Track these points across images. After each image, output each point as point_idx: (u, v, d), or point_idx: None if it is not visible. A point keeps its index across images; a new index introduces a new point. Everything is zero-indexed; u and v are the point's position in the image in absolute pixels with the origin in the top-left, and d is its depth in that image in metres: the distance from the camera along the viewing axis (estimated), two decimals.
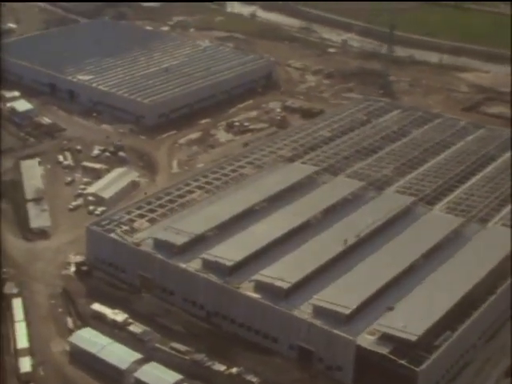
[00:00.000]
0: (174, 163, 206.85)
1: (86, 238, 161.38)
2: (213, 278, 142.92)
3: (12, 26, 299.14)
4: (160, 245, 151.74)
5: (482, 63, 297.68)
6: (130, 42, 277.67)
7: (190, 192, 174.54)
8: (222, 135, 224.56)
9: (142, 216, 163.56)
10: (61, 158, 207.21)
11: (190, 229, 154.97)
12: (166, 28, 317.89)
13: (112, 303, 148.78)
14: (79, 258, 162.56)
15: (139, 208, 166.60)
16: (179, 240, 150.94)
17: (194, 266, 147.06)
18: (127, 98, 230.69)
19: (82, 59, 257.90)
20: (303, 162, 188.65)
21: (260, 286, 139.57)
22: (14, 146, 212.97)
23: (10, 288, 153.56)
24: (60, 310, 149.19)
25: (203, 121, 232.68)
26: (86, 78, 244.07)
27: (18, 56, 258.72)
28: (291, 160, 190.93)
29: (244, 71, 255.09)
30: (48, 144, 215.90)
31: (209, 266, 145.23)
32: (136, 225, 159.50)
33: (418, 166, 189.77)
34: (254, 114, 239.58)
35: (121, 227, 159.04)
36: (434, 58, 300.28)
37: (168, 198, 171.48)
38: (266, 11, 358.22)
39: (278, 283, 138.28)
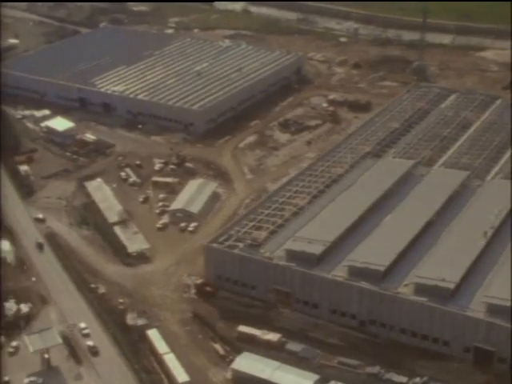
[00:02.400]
0: (245, 169, 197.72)
1: (205, 257, 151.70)
2: (366, 285, 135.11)
3: (14, 41, 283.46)
4: (295, 256, 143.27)
5: (491, 41, 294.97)
6: (145, 47, 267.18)
7: (293, 198, 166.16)
8: (279, 136, 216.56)
9: (257, 228, 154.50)
10: (123, 175, 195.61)
11: (320, 236, 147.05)
12: (170, 30, 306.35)
13: (249, 323, 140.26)
14: (196, 279, 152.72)
15: (251, 220, 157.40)
16: (317, 249, 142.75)
17: (339, 274, 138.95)
18: (174, 106, 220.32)
19: (105, 70, 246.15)
20: (393, 157, 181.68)
21: (422, 289, 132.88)
22: (67, 168, 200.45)
23: (133, 319, 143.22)
24: (199, 336, 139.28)
25: (252, 123, 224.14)
26: (121, 89, 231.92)
27: (35, 72, 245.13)
28: (377, 155, 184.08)
29: (278, 68, 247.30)
30: (103, 162, 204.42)
31: (357, 273, 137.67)
32: (255, 237, 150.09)
33: (506, 151, 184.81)
34: (300, 111, 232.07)
35: (241, 242, 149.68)
36: (444, 39, 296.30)
37: (274, 206, 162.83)
38: (256, 6, 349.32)
39: (443, 284, 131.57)
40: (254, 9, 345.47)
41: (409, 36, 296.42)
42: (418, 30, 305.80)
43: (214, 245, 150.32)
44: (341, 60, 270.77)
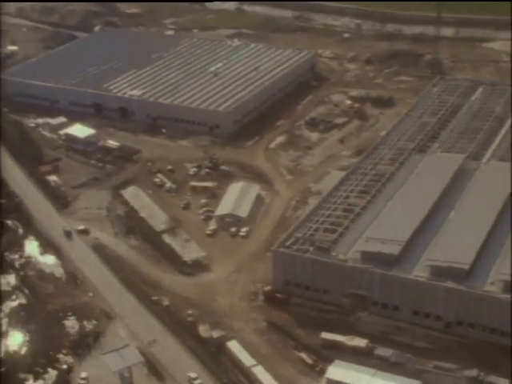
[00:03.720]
0: (283, 170, 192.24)
1: (273, 262, 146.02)
2: (452, 285, 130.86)
3: (12, 48, 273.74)
4: (371, 257, 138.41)
5: (493, 32, 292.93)
6: (152, 49, 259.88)
7: (349, 198, 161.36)
8: (308, 135, 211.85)
9: (322, 230, 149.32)
10: (157, 181, 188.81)
11: (392, 236, 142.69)
12: (169, 32, 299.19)
13: (328, 329, 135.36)
14: (262, 286, 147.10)
15: (314, 222, 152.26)
16: (394, 249, 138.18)
17: (420, 274, 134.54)
18: (199, 108, 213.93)
19: (117, 74, 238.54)
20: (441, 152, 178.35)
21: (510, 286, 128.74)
22: (96, 176, 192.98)
23: (206, 331, 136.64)
24: (280, 345, 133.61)
25: (278, 122, 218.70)
26: (138, 92, 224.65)
27: (44, 79, 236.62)
28: (421, 151, 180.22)
29: (294, 66, 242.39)
30: (132, 169, 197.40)
31: (440, 272, 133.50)
32: (326, 240, 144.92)
33: None
34: (323, 108, 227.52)
35: (310, 245, 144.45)
36: (445, 32, 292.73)
37: (333, 207, 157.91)
38: (249, 4, 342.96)
39: None
40: (248, 8, 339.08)
41: (409, 30, 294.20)
42: (418, 23, 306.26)
43: (282, 249, 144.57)
44: (351, 56, 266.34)
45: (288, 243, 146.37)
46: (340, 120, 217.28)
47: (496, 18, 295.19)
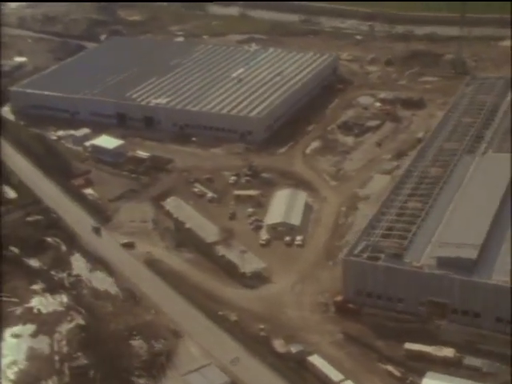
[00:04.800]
0: (325, 176, 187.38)
1: (343, 272, 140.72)
2: None
3: (21, 59, 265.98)
4: (447, 263, 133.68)
5: (504, 30, 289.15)
6: (169, 56, 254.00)
7: (407, 202, 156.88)
8: (343, 139, 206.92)
9: (388, 236, 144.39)
10: (197, 191, 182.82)
11: (465, 240, 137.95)
12: (179, 38, 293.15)
13: (408, 339, 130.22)
14: (331, 296, 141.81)
15: (378, 228, 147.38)
16: (472, 254, 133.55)
17: (502, 279, 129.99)
18: (229, 114, 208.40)
19: (137, 82, 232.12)
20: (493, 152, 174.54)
21: None
22: (132, 188, 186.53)
23: (283, 346, 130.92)
24: (362, 358, 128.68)
25: (310, 127, 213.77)
26: (164, 101, 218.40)
27: (61, 90, 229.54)
28: (470, 151, 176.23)
29: (319, 69, 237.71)
30: (168, 179, 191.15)
31: None
32: (398, 246, 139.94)
33: None
34: (352, 111, 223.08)
35: (380, 253, 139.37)
36: (452, 31, 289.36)
37: (394, 212, 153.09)
38: (250, 10, 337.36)
39: None
40: (251, 13, 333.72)
41: (420, 30, 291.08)
42: (426, 24, 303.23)
43: (353, 258, 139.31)
44: (371, 58, 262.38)
45: (357, 251, 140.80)
46: (373, 123, 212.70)
47: (503, 16, 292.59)
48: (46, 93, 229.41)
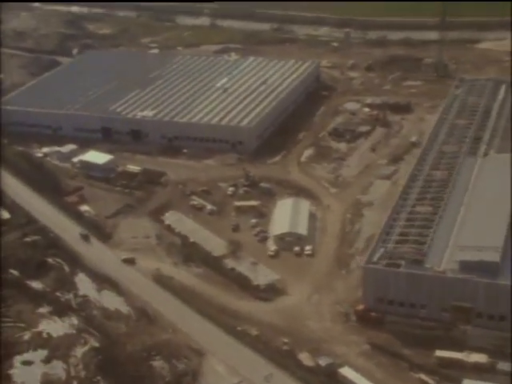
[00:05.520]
0: (324, 183, 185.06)
1: (363, 280, 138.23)
2: None
3: None
4: (470, 267, 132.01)
5: (478, 33, 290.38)
6: (148, 68, 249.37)
7: (415, 206, 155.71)
8: (336, 145, 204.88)
9: (404, 242, 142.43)
10: (195, 203, 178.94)
11: (484, 243, 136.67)
12: (154, 50, 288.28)
13: (436, 345, 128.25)
14: (350, 306, 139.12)
15: (393, 234, 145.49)
16: (495, 257, 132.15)
17: None
18: (220, 125, 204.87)
19: (119, 96, 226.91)
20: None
21: None
22: (128, 203, 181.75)
23: (309, 359, 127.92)
24: (393, 368, 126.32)
25: (300, 135, 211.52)
26: (151, 113, 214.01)
27: (42, 106, 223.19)
28: (471, 153, 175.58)
29: (303, 77, 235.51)
30: (163, 192, 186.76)
31: None
32: (418, 252, 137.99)
33: None
34: (340, 118, 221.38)
35: (399, 259, 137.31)
36: (429, 35, 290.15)
37: (406, 217, 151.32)
38: (220, 20, 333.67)
39: None
40: (221, 23, 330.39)
41: (395, 36, 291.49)
42: (398, 29, 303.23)
43: (372, 266, 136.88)
44: (351, 64, 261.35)
45: (375, 259, 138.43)
46: (363, 128, 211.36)
47: (477, 19, 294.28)
48: (26, 109, 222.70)
